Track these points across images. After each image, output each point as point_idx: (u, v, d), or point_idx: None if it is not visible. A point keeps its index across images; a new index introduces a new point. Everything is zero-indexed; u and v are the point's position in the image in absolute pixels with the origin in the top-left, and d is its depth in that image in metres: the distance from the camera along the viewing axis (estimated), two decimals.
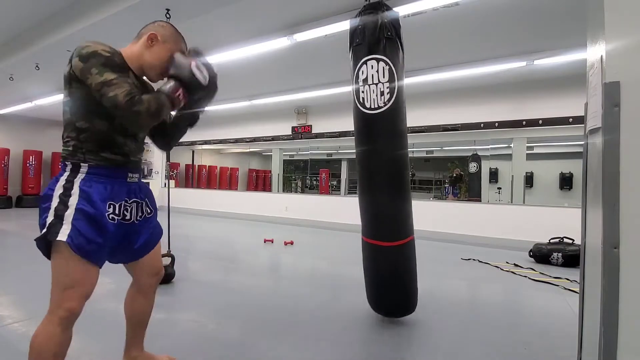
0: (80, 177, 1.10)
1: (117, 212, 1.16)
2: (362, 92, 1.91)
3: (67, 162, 1.12)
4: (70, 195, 1.07)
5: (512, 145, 5.60)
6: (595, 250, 0.89)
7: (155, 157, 9.72)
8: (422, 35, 3.71)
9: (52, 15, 3.76)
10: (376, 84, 1.86)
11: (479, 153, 6.38)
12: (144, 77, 1.26)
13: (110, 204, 1.13)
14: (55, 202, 1.06)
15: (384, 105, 1.87)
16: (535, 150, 6.39)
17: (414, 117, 5.94)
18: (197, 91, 1.17)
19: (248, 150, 10.91)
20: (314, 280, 3.07)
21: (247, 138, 8.10)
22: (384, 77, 1.85)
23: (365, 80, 1.89)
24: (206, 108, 1.34)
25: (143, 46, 1.21)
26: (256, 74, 5.02)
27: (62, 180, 1.09)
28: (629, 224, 0.79)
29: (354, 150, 2.10)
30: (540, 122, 4.94)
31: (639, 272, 0.78)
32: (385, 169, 1.94)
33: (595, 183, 0.93)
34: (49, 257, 1.11)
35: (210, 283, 2.89)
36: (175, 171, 10.13)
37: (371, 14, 1.89)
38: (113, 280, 2.84)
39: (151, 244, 1.32)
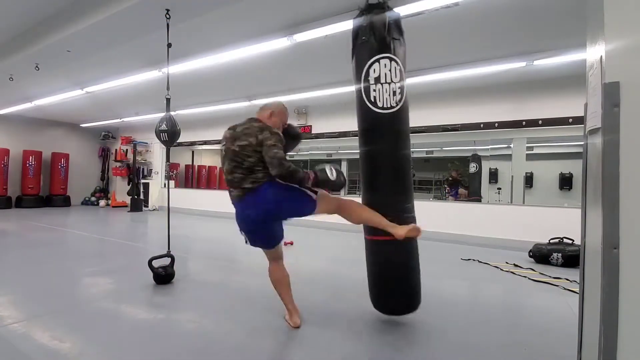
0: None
1: None
2: (374, 90, 1.88)
3: (264, 180, 1.85)
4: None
5: (512, 145, 5.60)
6: (595, 251, 0.89)
7: (155, 157, 9.72)
8: (422, 36, 3.70)
9: (52, 15, 3.76)
10: (389, 84, 1.85)
11: (479, 153, 6.38)
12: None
13: None
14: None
15: (396, 105, 1.87)
16: (535, 151, 6.39)
17: (414, 117, 5.85)
18: (322, 184, 1.85)
19: None
20: (314, 280, 3.07)
21: None
22: (396, 76, 1.85)
23: (377, 79, 1.86)
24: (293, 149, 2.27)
25: (267, 117, 2.03)
26: (256, 74, 5.01)
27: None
28: (629, 224, 0.79)
29: (354, 151, 2.10)
30: (540, 122, 4.94)
31: (639, 272, 0.78)
32: (392, 167, 1.95)
33: (595, 183, 0.93)
34: None
35: (210, 283, 2.89)
36: (175, 171, 10.12)
37: (378, 13, 1.88)
38: (113, 281, 2.84)
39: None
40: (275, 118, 2.00)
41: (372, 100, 1.90)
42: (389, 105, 1.87)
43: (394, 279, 2.00)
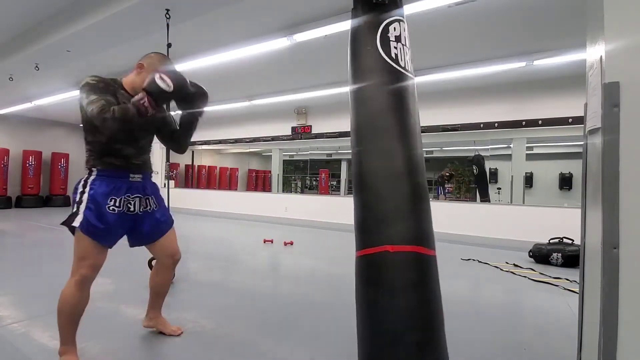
0: (91, 178, 1.49)
1: (117, 204, 1.50)
2: (395, 48, 1.43)
3: (86, 168, 1.53)
4: (84, 192, 1.47)
5: (511, 145, 5.60)
6: (595, 251, 0.89)
7: (155, 157, 9.70)
8: (422, 36, 3.71)
9: (52, 15, 3.76)
10: (408, 48, 1.48)
11: (479, 153, 6.38)
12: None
13: (111, 198, 1.49)
14: (77, 197, 1.47)
15: (413, 76, 1.47)
16: (535, 151, 6.40)
17: None
18: (163, 99, 1.43)
19: (248, 150, 10.92)
20: (314, 280, 3.07)
21: (247, 138, 8.10)
22: (408, 47, 1.49)
23: (398, 38, 1.46)
24: (202, 111, 1.73)
25: (134, 74, 1.61)
26: (256, 74, 5.02)
27: (82, 181, 1.50)
28: (629, 224, 0.79)
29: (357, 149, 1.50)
30: (540, 122, 4.94)
31: (639, 272, 0.78)
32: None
33: (595, 183, 0.93)
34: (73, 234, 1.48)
35: (210, 283, 2.89)
36: (175, 171, 10.12)
37: None
38: (113, 281, 2.84)
39: (159, 231, 1.68)
40: (147, 72, 1.55)
41: (394, 57, 1.44)
42: (410, 69, 1.46)
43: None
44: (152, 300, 1.85)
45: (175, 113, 1.91)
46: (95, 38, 3.77)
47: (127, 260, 3.67)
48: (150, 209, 1.64)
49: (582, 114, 1.11)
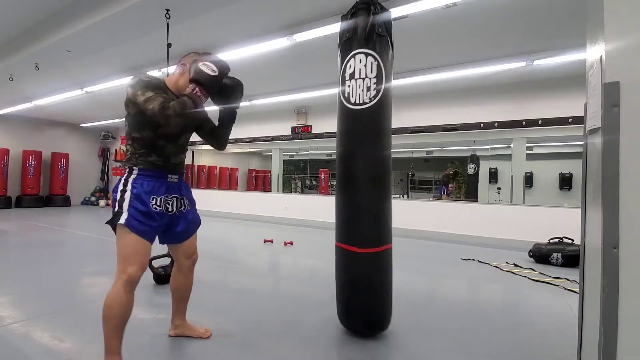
0: (132, 177, 1.50)
1: (158, 203, 1.52)
2: (348, 86, 1.84)
3: (125, 166, 1.54)
4: (125, 191, 1.47)
5: (511, 145, 5.60)
6: (595, 250, 0.89)
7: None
8: (422, 36, 3.71)
9: (52, 15, 3.76)
10: (363, 79, 1.79)
11: (479, 153, 6.38)
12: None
13: (153, 197, 1.51)
14: (118, 196, 1.47)
15: (369, 102, 1.78)
16: (535, 151, 6.39)
17: (414, 117, 5.95)
18: (212, 84, 1.47)
19: (248, 150, 10.91)
20: (314, 280, 3.07)
21: (247, 138, 8.10)
22: (371, 72, 1.78)
23: (352, 75, 1.83)
24: (239, 104, 1.79)
25: (178, 74, 1.63)
26: (256, 74, 5.01)
27: (122, 180, 1.51)
28: (629, 224, 0.79)
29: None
30: (540, 122, 4.94)
31: (639, 272, 0.78)
32: (367, 170, 1.83)
33: (595, 183, 0.93)
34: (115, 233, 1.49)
35: (210, 283, 2.89)
36: None
37: (363, 10, 1.83)
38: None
39: (190, 230, 1.71)
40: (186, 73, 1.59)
41: (346, 96, 1.85)
42: (361, 101, 1.79)
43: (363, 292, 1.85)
44: (176, 307, 1.82)
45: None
46: (95, 38, 3.76)
47: None
48: (184, 209, 1.67)
49: (582, 114, 1.11)
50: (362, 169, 1.85)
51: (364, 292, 1.84)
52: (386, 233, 1.88)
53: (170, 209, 1.58)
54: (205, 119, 1.78)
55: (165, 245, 1.73)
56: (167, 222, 1.59)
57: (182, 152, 1.68)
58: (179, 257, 1.74)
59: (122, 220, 1.42)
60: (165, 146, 1.56)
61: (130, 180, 1.50)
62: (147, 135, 1.51)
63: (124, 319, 1.44)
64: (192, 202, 1.74)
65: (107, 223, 1.49)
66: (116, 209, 1.45)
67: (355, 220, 1.86)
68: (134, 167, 1.51)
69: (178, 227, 1.64)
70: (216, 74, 1.45)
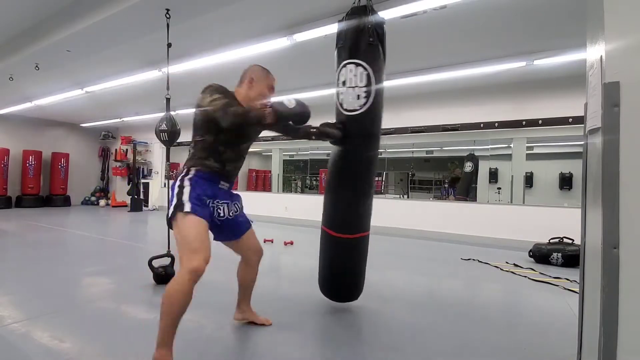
0: (189, 176, 1.59)
1: (210, 205, 1.62)
2: (341, 93, 2.02)
3: (184, 166, 1.65)
4: (183, 187, 1.56)
5: (512, 145, 5.60)
6: (595, 251, 0.89)
7: (155, 157, 9.71)
8: (422, 36, 3.71)
9: (52, 15, 3.76)
10: (353, 88, 1.95)
11: (479, 153, 6.38)
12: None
13: (204, 197, 1.58)
14: (175, 191, 1.56)
15: (359, 108, 1.95)
16: (535, 150, 6.38)
17: (414, 117, 5.95)
18: (284, 118, 1.57)
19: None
20: (314, 280, 3.06)
21: None
22: (361, 82, 1.93)
23: (344, 83, 1.99)
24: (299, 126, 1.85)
25: (246, 87, 1.75)
26: None
27: (179, 178, 1.61)
28: (629, 224, 0.79)
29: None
30: (540, 122, 4.94)
31: (639, 272, 0.78)
32: (354, 168, 2.04)
33: (595, 183, 0.93)
34: (171, 227, 1.57)
35: (210, 283, 2.88)
36: (175, 171, 10.11)
37: (355, 18, 1.94)
38: (113, 281, 2.84)
39: (242, 230, 1.84)
40: (258, 84, 1.78)
41: (340, 102, 2.04)
42: (352, 108, 1.98)
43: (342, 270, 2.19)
44: (242, 294, 1.98)
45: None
46: (95, 38, 3.76)
47: (127, 261, 3.68)
48: (237, 212, 1.79)
49: (582, 114, 1.11)
50: (350, 168, 2.05)
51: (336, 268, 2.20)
52: (366, 221, 2.14)
53: (222, 214, 1.68)
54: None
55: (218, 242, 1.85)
56: (221, 224, 1.71)
57: (239, 160, 1.77)
58: (245, 253, 1.90)
59: (187, 208, 1.49)
60: (224, 152, 1.65)
61: (187, 178, 1.59)
62: (208, 139, 1.61)
63: (184, 310, 1.44)
64: (241, 207, 1.86)
65: (169, 217, 1.55)
66: (175, 202, 1.52)
67: (337, 209, 2.11)
68: (192, 168, 1.61)
69: (225, 228, 1.76)
70: (296, 114, 1.58)
